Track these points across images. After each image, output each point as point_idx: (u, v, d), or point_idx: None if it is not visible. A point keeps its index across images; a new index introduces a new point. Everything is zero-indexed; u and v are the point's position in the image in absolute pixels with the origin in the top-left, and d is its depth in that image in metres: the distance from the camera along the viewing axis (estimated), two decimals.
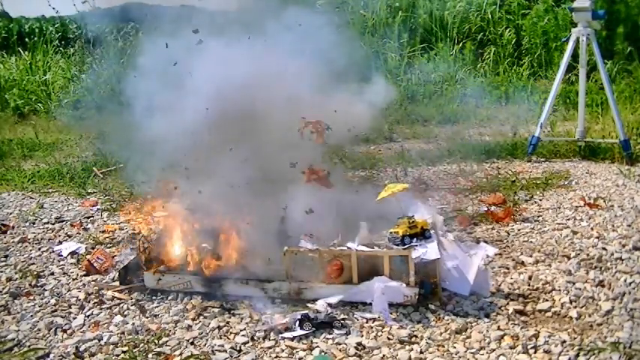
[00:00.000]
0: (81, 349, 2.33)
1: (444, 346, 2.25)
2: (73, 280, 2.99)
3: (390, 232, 2.63)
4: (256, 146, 2.88)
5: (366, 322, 2.42)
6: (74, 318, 2.59)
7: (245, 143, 2.86)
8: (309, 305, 2.52)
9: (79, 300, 2.74)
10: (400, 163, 4.98)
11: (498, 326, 2.36)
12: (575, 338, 2.25)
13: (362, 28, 8.57)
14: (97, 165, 5.20)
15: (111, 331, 2.45)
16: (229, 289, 2.65)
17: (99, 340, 2.38)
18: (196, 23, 2.96)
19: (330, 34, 3.19)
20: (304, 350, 2.25)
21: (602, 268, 2.83)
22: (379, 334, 2.34)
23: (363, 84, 3.51)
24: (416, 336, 2.31)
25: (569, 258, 2.96)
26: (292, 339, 2.31)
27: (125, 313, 2.61)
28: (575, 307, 2.49)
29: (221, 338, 2.36)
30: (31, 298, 2.81)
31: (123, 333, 2.43)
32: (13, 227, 3.86)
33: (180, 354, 2.27)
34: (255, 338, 2.34)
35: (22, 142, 6.47)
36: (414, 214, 2.70)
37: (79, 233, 3.69)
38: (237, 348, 2.29)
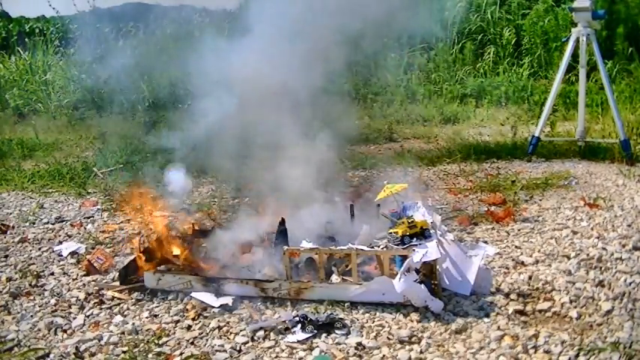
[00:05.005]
0: (81, 349, 2.33)
1: (444, 346, 2.25)
2: (73, 280, 2.99)
3: (390, 232, 2.63)
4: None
5: (366, 322, 2.42)
6: (74, 318, 2.59)
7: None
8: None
9: (79, 300, 2.74)
10: (400, 163, 4.98)
11: (498, 326, 2.36)
12: (575, 338, 2.25)
13: None
14: (97, 165, 5.21)
15: (111, 331, 2.45)
16: (229, 289, 2.65)
17: (99, 340, 2.38)
18: None
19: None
20: (304, 350, 2.25)
21: (602, 268, 2.83)
22: (379, 334, 2.34)
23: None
24: (416, 336, 2.31)
25: (569, 258, 2.95)
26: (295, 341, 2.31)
27: (125, 313, 2.61)
28: (575, 307, 2.49)
29: (221, 338, 2.36)
30: (31, 298, 2.81)
31: (123, 333, 2.43)
32: (13, 227, 3.86)
33: (181, 354, 2.27)
34: (255, 338, 2.34)
35: (22, 142, 6.47)
36: (412, 213, 2.70)
37: (79, 233, 3.69)
38: (237, 348, 2.29)
